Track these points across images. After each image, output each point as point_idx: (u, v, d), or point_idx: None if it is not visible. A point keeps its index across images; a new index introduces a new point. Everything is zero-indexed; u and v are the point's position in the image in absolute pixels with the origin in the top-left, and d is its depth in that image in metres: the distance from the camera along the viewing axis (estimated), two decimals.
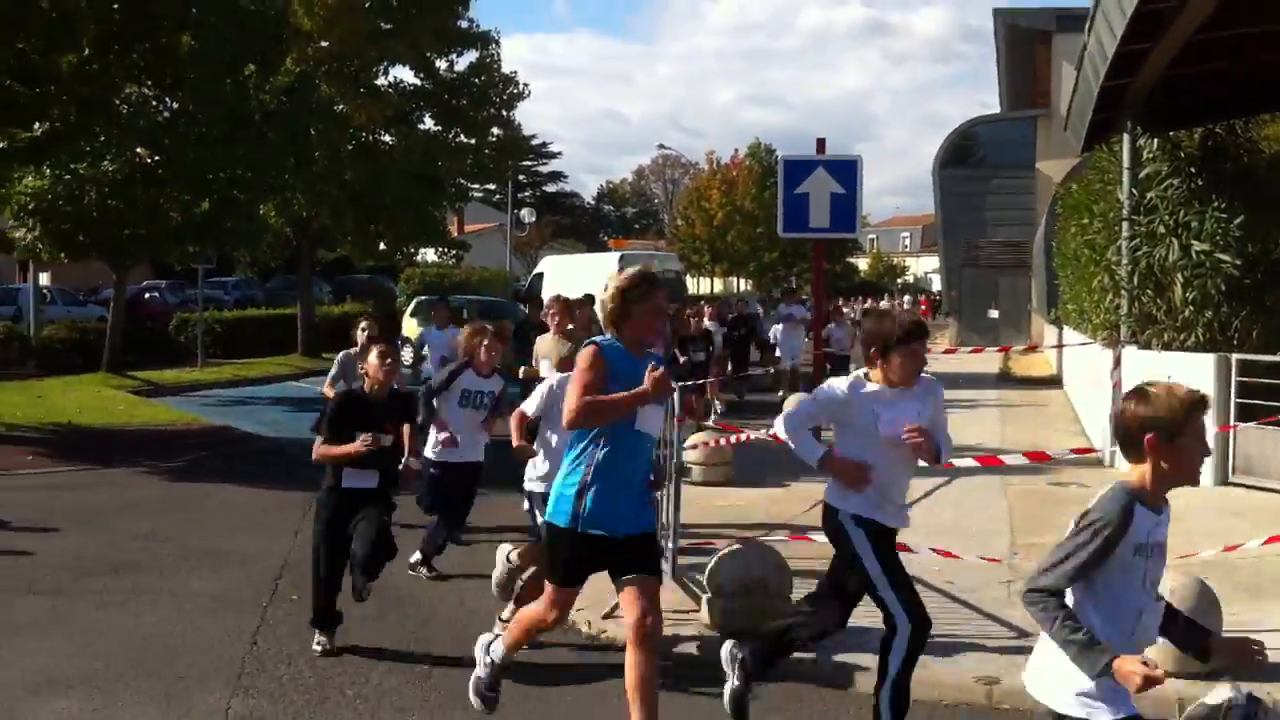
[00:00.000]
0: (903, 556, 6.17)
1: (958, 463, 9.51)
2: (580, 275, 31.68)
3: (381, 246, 33.45)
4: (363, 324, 11.41)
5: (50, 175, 22.92)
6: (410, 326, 30.68)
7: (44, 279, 33.04)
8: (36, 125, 20.12)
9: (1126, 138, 13.70)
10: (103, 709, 6.39)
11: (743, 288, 66.94)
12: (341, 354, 11.01)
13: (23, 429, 17.92)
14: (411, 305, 33.84)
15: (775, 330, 23.09)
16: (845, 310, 31.91)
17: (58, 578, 9.26)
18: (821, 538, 6.01)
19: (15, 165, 21.13)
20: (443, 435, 8.89)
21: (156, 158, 23.72)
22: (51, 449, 16.39)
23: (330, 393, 8.90)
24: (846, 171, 13.50)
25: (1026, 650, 6.86)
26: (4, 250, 23.37)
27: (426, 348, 11.04)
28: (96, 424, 18.67)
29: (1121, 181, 13.85)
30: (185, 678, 6.90)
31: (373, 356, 7.54)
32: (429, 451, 8.96)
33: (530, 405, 7.41)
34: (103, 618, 8.18)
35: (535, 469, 7.51)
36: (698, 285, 62.89)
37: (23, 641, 7.59)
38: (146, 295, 40.18)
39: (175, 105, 23.41)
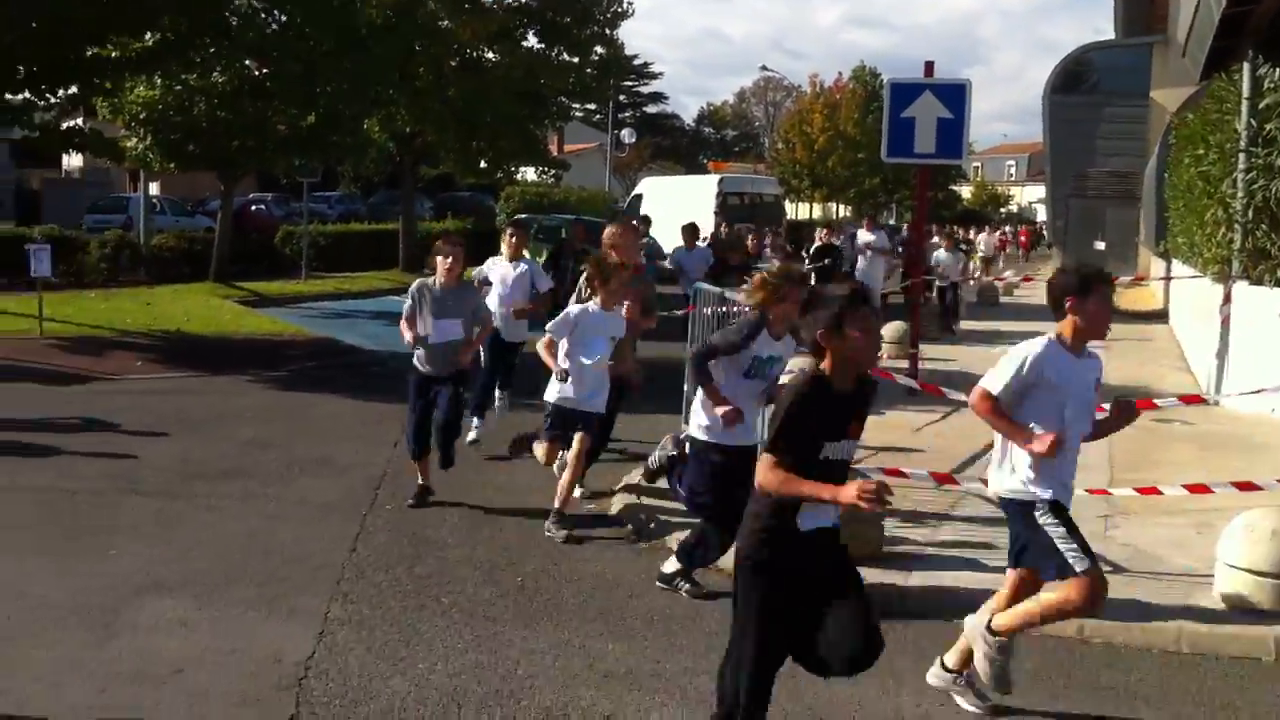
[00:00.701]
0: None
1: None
2: (679, 197, 31.63)
3: (483, 164, 33.59)
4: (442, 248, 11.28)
5: (161, 86, 23.34)
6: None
7: (153, 189, 33.69)
8: (148, 35, 20.41)
9: (1247, 66, 13.24)
10: (206, 609, 6.57)
11: (842, 214, 66.16)
12: (416, 283, 10.71)
13: (133, 335, 18.37)
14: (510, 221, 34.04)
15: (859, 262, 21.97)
16: (956, 237, 29.90)
17: (163, 481, 9.52)
18: (914, 470, 5.95)
19: (127, 75, 21.48)
20: (723, 410, 6.76)
21: (265, 70, 24.01)
22: (161, 355, 16.79)
23: (406, 329, 8.86)
24: (955, 96, 13.20)
25: (1121, 584, 6.83)
26: (115, 159, 23.82)
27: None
28: (204, 332, 19.07)
29: (1240, 112, 13.41)
30: (286, 581, 7.08)
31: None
32: (698, 432, 6.98)
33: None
34: (206, 521, 8.41)
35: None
36: (796, 211, 62.24)
37: (127, 543, 7.82)
38: (252, 208, 40.85)
39: (284, 18, 23.57)
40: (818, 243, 23.19)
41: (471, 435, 10.85)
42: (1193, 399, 12.49)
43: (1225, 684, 5.91)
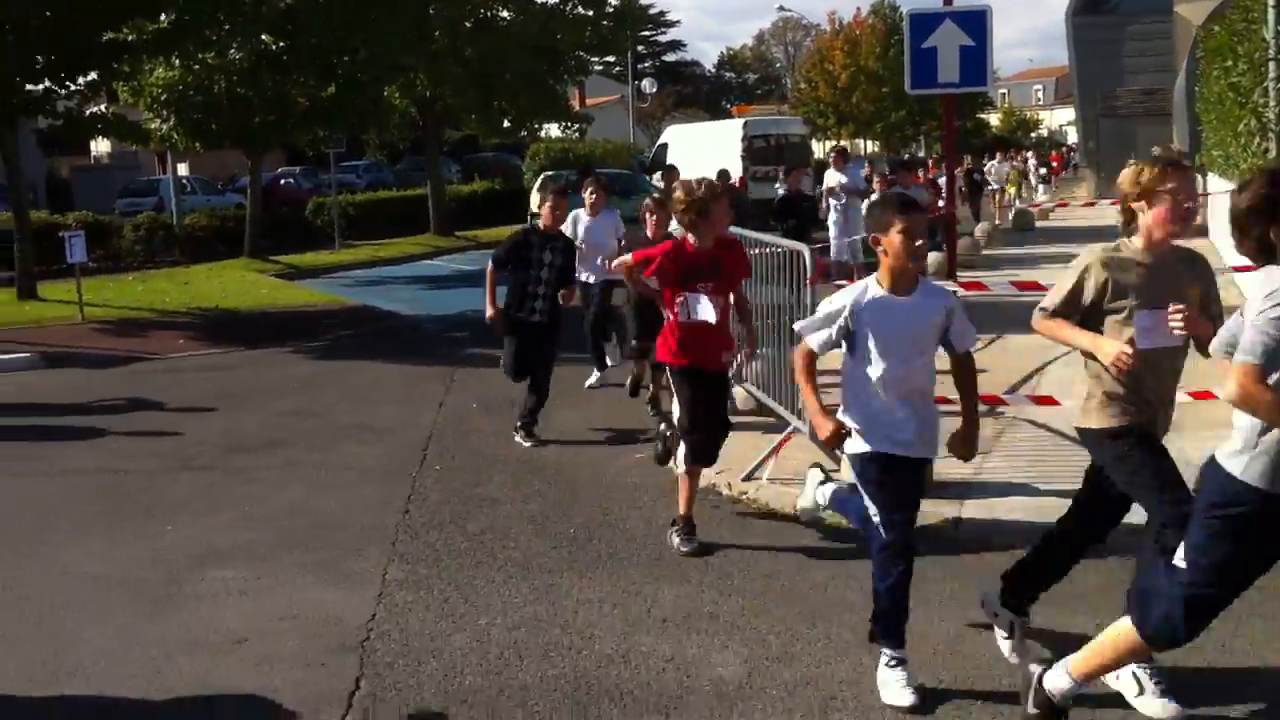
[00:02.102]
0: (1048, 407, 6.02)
1: None
2: (705, 144, 31.40)
3: (505, 123, 33.49)
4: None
5: (180, 66, 23.42)
6: (538, 202, 30.70)
7: (182, 170, 33.85)
8: (163, 16, 20.42)
9: None
10: (265, 576, 6.64)
11: (870, 149, 65.63)
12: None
13: (173, 314, 18.50)
14: (538, 181, 33.92)
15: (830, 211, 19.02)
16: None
17: (211, 455, 9.61)
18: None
19: (145, 58, 21.52)
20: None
21: (281, 44, 23.99)
22: (201, 332, 16.91)
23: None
24: (975, 23, 13.01)
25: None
26: (141, 142, 23.93)
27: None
28: (242, 307, 19.19)
29: (1267, 20, 13.14)
30: (341, 547, 7.13)
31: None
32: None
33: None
34: (256, 493, 8.47)
35: None
36: (822, 148, 61.80)
37: (181, 516, 7.90)
38: (281, 182, 41.02)
39: None
40: (780, 192, 18.66)
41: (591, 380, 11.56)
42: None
43: None
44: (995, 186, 34.00)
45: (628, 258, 7.18)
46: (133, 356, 15.00)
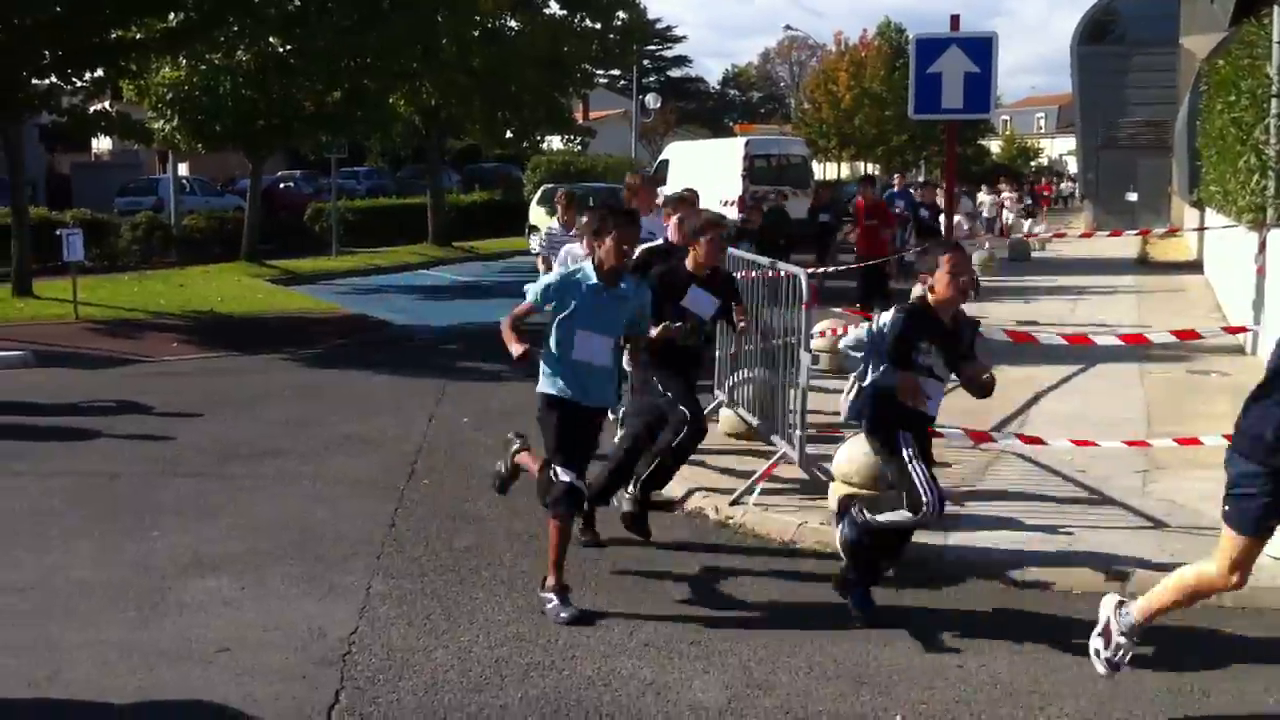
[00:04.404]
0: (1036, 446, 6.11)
1: (1100, 340, 9.30)
2: (706, 161, 31.40)
3: (508, 134, 33.57)
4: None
5: (186, 66, 23.46)
6: (538, 215, 30.74)
7: (182, 170, 33.85)
8: (172, 15, 20.46)
9: (1277, 10, 13.03)
10: (251, 587, 6.64)
11: (871, 171, 65.73)
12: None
13: (167, 316, 18.50)
14: (538, 194, 33.96)
15: None
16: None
17: (202, 462, 9.60)
18: (949, 428, 5.95)
19: (153, 56, 21.56)
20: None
21: (288, 47, 24.06)
22: (195, 336, 16.90)
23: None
24: (981, 50, 13.07)
25: (1159, 540, 6.80)
26: (143, 141, 23.96)
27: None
28: (237, 312, 19.19)
29: (1271, 56, 13.21)
30: (326, 558, 7.13)
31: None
32: None
33: None
34: (245, 501, 8.47)
35: None
36: (824, 170, 61.87)
37: (169, 524, 7.88)
38: (281, 185, 41.01)
39: None
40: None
41: None
42: (1236, 329, 12.23)
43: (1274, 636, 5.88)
44: (987, 216, 33.83)
45: None
46: (125, 358, 15.01)
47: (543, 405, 6.43)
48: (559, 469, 6.28)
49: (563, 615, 6.09)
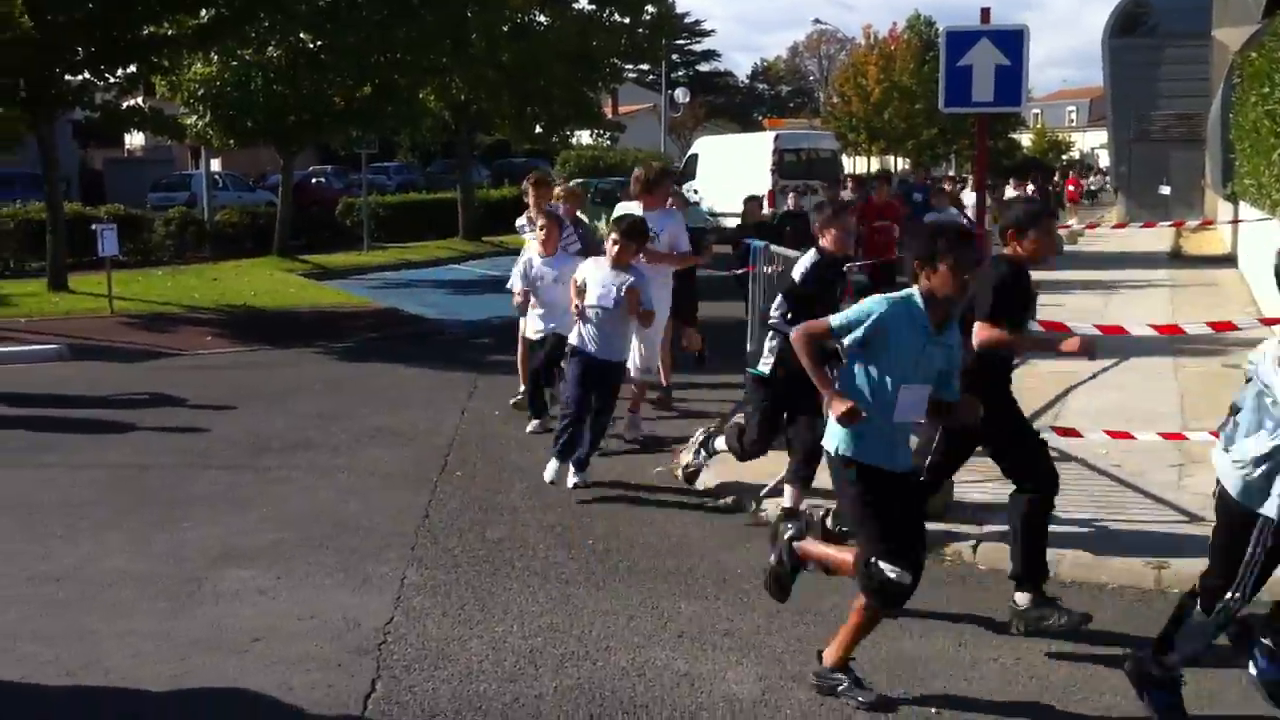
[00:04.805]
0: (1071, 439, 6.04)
1: (1136, 332, 9.23)
2: (735, 155, 31.36)
3: (537, 129, 33.58)
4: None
5: (218, 62, 23.58)
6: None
7: (215, 165, 34.01)
8: (204, 12, 20.57)
9: None
10: (284, 578, 6.67)
11: (901, 166, 65.45)
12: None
13: (201, 310, 18.60)
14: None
15: None
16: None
17: (235, 454, 9.66)
18: None
19: (185, 53, 21.68)
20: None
21: (319, 43, 24.15)
22: (228, 330, 16.99)
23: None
24: (1012, 42, 12.95)
25: (1195, 535, 6.75)
26: (176, 137, 24.12)
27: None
28: (270, 306, 19.27)
29: None
30: (360, 550, 7.16)
31: None
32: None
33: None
34: (278, 493, 8.51)
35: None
36: (853, 164, 61.62)
37: (203, 515, 7.93)
38: (313, 181, 41.16)
39: None
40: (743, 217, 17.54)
41: None
42: (1272, 320, 12.13)
43: None
44: None
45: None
46: (159, 351, 15.10)
47: (840, 468, 5.18)
48: (885, 565, 4.95)
49: (860, 699, 5.07)
